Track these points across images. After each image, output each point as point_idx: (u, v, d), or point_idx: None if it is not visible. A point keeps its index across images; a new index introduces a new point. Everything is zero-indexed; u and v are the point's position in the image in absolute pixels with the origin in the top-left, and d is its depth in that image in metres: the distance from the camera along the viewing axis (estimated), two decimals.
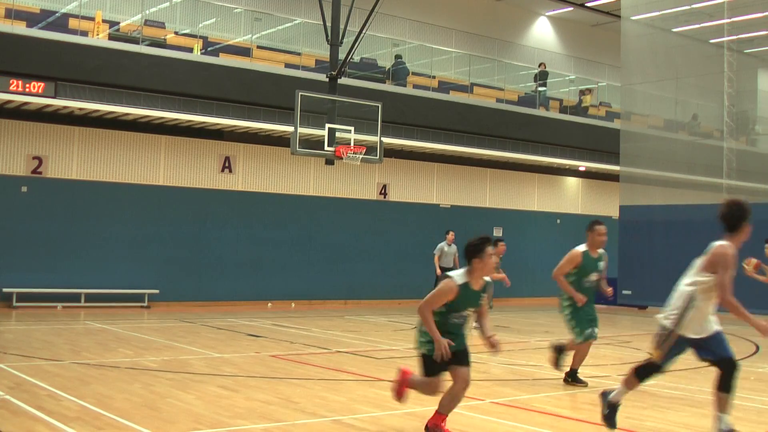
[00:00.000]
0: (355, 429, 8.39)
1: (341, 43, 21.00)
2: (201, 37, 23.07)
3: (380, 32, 24.88)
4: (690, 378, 12.53)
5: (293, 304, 24.21)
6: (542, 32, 33.33)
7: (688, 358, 14.34)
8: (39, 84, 19.45)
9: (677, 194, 26.96)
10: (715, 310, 7.95)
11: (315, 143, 20.35)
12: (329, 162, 20.78)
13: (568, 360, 11.63)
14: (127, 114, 21.29)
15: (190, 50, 22.31)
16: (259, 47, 24.09)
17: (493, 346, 8.18)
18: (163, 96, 21.18)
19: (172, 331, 17.18)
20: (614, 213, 27.71)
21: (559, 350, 11.58)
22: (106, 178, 22.29)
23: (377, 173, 26.07)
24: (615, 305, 25.90)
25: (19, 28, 19.67)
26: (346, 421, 8.68)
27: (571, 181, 31.79)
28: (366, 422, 8.68)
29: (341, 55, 21.14)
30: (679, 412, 9.73)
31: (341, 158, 20.15)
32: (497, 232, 28.14)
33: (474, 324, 9.49)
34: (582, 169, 30.28)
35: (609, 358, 14.86)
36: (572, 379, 11.49)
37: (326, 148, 19.99)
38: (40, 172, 21.44)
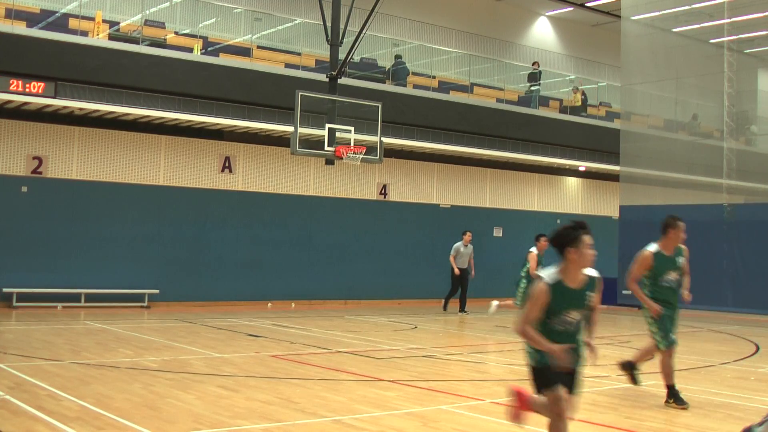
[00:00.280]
0: (355, 429, 8.40)
1: (341, 43, 21.00)
2: (201, 37, 23.07)
3: (380, 32, 24.89)
4: (690, 378, 12.55)
5: (293, 304, 24.23)
6: (542, 32, 33.36)
7: (687, 359, 14.41)
8: (39, 84, 19.45)
9: (677, 194, 26.95)
10: None
11: (315, 143, 20.37)
12: (329, 162, 20.79)
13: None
14: (127, 114, 21.29)
15: (190, 50, 22.31)
16: (259, 47, 24.10)
17: (590, 351, 6.95)
18: (163, 96, 21.18)
19: (172, 331, 17.19)
20: (614, 213, 27.72)
21: (629, 367, 10.83)
22: (106, 178, 22.29)
23: (377, 173, 26.08)
24: (615, 305, 25.88)
25: (19, 28, 19.67)
26: (346, 421, 8.69)
27: (571, 181, 31.81)
28: (366, 422, 8.69)
29: (341, 55, 21.14)
30: (678, 413, 9.73)
31: (341, 158, 20.16)
32: (497, 233, 28.17)
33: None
34: (582, 169, 30.29)
35: (609, 359, 14.83)
36: (675, 400, 10.09)
37: (326, 148, 20.00)
38: (40, 172, 21.45)
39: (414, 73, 26.55)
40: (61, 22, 21.06)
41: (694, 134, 30.32)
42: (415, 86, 26.10)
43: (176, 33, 23.03)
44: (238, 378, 11.27)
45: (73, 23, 21.11)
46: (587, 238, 6.58)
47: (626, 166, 26.72)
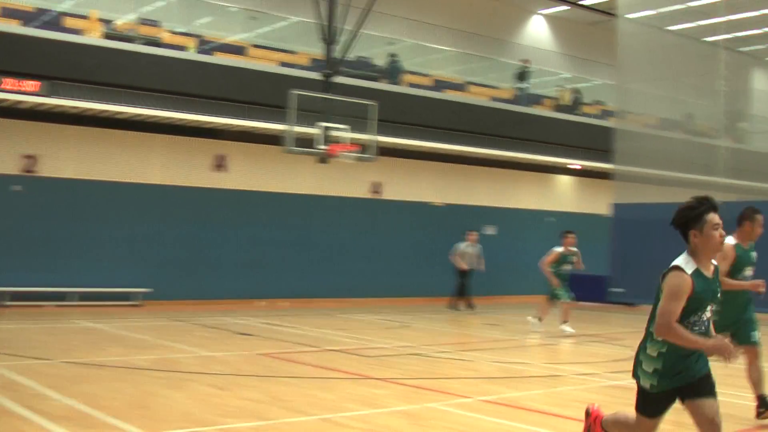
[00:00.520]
0: (344, 427, 8.41)
1: (336, 41, 21.02)
2: (196, 35, 23.08)
3: (375, 31, 24.89)
4: None
5: (286, 303, 24.23)
6: (537, 31, 33.38)
7: None
8: (33, 83, 19.45)
9: (671, 192, 26.95)
10: None
11: (310, 142, 20.39)
12: (323, 160, 20.81)
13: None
14: (121, 113, 21.26)
15: (186, 49, 22.32)
16: (254, 46, 24.12)
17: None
18: (157, 95, 21.16)
19: (164, 329, 17.20)
20: (607, 211, 27.73)
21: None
22: (101, 176, 22.27)
23: (372, 172, 26.04)
24: (605, 302, 25.94)
25: (14, 27, 19.69)
26: (335, 420, 8.70)
27: (566, 180, 31.82)
28: (355, 420, 8.70)
29: (336, 54, 21.13)
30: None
31: (336, 157, 20.16)
32: (490, 231, 28.15)
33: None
34: (577, 167, 30.31)
35: (599, 356, 14.90)
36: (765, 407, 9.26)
37: (321, 146, 20.01)
38: (34, 171, 21.44)
39: (409, 72, 26.58)
40: (55, 21, 21.07)
41: (688, 133, 30.35)
42: (411, 85, 26.12)
43: (171, 32, 23.03)
44: (229, 376, 11.29)
45: (67, 22, 21.12)
46: (713, 217, 5.61)
47: (620, 164, 26.74)
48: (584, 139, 28.49)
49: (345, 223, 25.78)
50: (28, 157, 21.36)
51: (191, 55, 22.08)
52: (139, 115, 21.47)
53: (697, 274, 5.53)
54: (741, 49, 32.68)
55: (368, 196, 26.40)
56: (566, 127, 28.22)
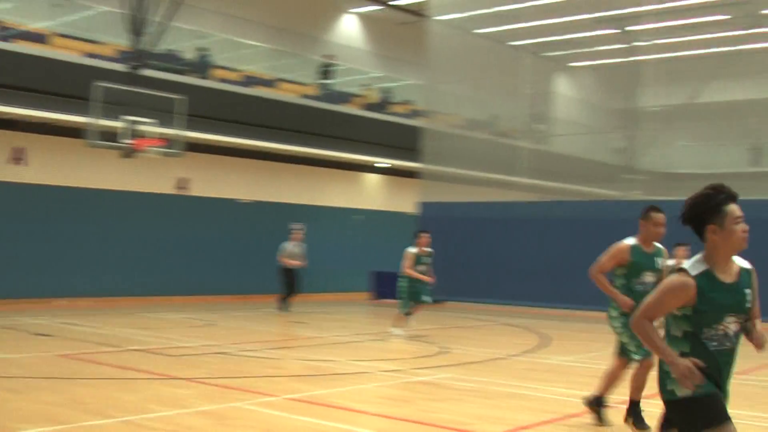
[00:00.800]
0: (147, 429, 8.17)
1: (145, 33, 20.48)
2: None
3: (185, 24, 24.41)
4: (480, 370, 12.89)
5: (87, 302, 23.39)
6: (349, 29, 33.57)
7: (480, 351, 14.80)
8: None
9: (476, 191, 27.71)
10: None
11: (115, 135, 19.79)
12: (128, 155, 20.25)
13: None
14: None
15: None
16: (58, 35, 23.20)
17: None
18: None
19: None
20: (415, 209, 28.20)
21: (596, 403, 8.97)
22: None
23: (179, 167, 25.46)
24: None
25: None
26: (136, 421, 8.45)
27: (374, 178, 32.14)
28: (158, 422, 8.48)
29: (144, 46, 20.59)
30: (470, 404, 9.95)
31: (142, 151, 19.64)
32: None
33: None
34: (385, 165, 30.65)
35: (406, 353, 15.11)
36: (635, 420, 8.54)
37: (126, 140, 19.46)
38: None
39: (219, 67, 26.22)
40: None
41: (493, 133, 31.26)
42: (220, 80, 25.76)
43: None
44: (25, 380, 10.80)
45: None
46: (733, 209, 4.66)
47: (427, 163, 27.27)
48: (392, 138, 28.83)
49: (150, 219, 25.13)
50: None
51: None
52: None
53: (707, 276, 4.58)
54: (545, 54, 33.93)
55: (174, 192, 25.85)
56: (375, 126, 28.49)
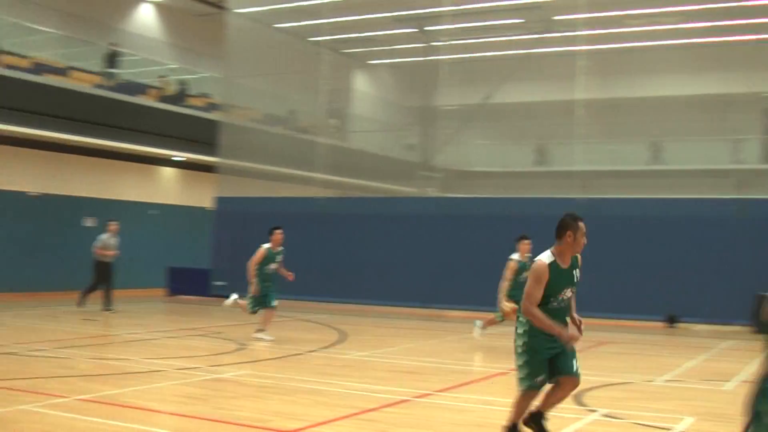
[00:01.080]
0: None
1: None
2: None
3: None
4: (279, 366, 12.81)
5: None
6: (145, 18, 32.66)
7: (278, 348, 14.73)
8: None
9: (274, 187, 27.61)
10: None
11: None
12: None
13: None
14: None
15: None
16: None
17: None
18: None
19: None
20: (211, 204, 27.81)
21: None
22: None
23: None
24: (208, 296, 26.02)
25: None
26: None
27: (170, 171, 31.47)
28: None
29: None
30: (268, 400, 9.86)
31: None
32: (90, 223, 27.09)
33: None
34: (181, 159, 30.05)
35: (201, 350, 14.85)
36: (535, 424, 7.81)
37: None
38: None
39: (5, 52, 24.93)
40: None
41: (291, 129, 31.21)
42: (7, 66, 24.49)
43: None
44: None
45: None
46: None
47: (224, 157, 26.93)
48: (189, 131, 28.28)
49: None
50: None
51: None
52: None
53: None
54: (345, 50, 34.16)
55: None
56: (171, 118, 27.84)
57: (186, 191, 31.68)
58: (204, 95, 31.51)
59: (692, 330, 21.11)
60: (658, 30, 30.59)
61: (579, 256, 7.43)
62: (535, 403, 7.67)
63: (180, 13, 33.34)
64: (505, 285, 15.27)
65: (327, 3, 28.36)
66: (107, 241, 21.78)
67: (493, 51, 33.52)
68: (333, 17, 28.61)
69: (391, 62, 37.71)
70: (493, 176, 32.22)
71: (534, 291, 7.14)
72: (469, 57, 31.32)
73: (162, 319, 22.28)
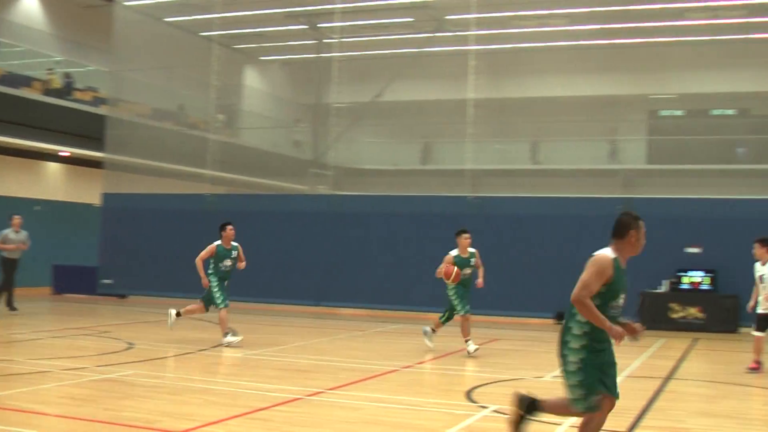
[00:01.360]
0: None
1: None
2: None
3: None
4: (169, 366, 12.62)
5: None
6: (30, 9, 31.72)
7: (163, 347, 14.51)
8: None
9: (163, 183, 27.21)
10: None
11: None
12: None
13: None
14: None
15: None
16: None
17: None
18: None
19: None
20: (97, 200, 27.24)
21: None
22: None
23: None
24: (95, 294, 25.50)
25: None
26: None
27: (55, 167, 30.70)
28: None
29: None
30: (156, 400, 9.69)
31: None
32: None
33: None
34: (66, 154, 29.33)
35: (89, 350, 14.51)
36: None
37: None
38: None
39: None
40: None
41: (181, 124, 30.79)
42: None
43: None
44: None
45: None
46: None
47: (112, 153, 26.40)
48: (76, 126, 27.58)
49: None
50: None
51: None
52: None
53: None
54: (235, 46, 33.85)
55: None
56: (57, 112, 27.10)
57: (72, 187, 30.95)
58: (91, 89, 30.78)
59: None
60: (548, 31, 31.20)
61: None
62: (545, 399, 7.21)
63: (66, 4, 32.49)
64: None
65: None
66: (8, 236, 21.07)
67: (385, 49, 33.66)
68: (224, 12, 28.34)
69: (282, 58, 37.55)
70: (384, 174, 32.36)
71: (593, 282, 6.59)
72: (361, 55, 31.40)
73: (47, 318, 21.71)
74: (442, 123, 30.62)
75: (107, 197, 26.61)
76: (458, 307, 14.63)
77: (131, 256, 25.70)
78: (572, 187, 25.80)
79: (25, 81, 27.85)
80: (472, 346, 14.46)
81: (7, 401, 9.40)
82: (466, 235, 14.79)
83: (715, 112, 32.84)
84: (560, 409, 7.07)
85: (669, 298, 20.95)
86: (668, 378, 12.71)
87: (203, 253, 15.40)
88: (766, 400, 11.80)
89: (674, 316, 20.80)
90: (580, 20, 29.99)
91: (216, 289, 15.27)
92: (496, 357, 14.86)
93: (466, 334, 14.56)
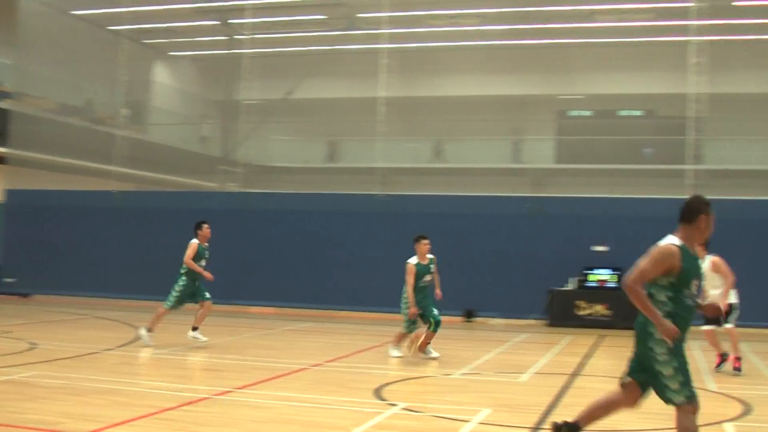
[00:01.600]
0: None
1: None
2: None
3: None
4: (72, 366, 12.36)
5: None
6: None
7: (71, 346, 14.20)
8: None
9: (69, 180, 26.72)
10: None
11: None
12: None
13: None
14: None
15: None
16: None
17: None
18: None
19: None
20: (1, 197, 26.60)
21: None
22: None
23: None
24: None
25: None
26: None
27: None
28: None
29: None
30: (60, 402, 9.47)
31: None
32: None
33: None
34: None
35: None
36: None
37: None
38: None
39: None
40: None
41: (88, 120, 30.22)
42: None
43: None
44: None
45: None
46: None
47: (16, 148, 25.81)
48: None
49: None
50: None
51: None
52: None
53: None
54: (144, 41, 33.34)
55: None
56: None
57: None
58: None
59: (489, 324, 21.77)
60: (459, 31, 31.42)
61: None
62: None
63: None
64: (409, 291, 14.02)
65: None
66: None
67: (296, 46, 33.51)
68: (133, 6, 27.90)
69: (192, 54, 37.10)
70: (295, 172, 32.22)
71: (649, 270, 6.36)
72: (272, 51, 31.19)
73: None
74: (354, 121, 30.62)
75: (11, 193, 26.02)
76: (404, 325, 14.29)
77: (35, 254, 25.16)
78: (482, 186, 26.02)
79: None
80: (434, 354, 14.34)
81: None
82: (426, 241, 14.28)
83: (623, 113, 33.38)
84: (597, 411, 7.12)
85: (576, 295, 21.29)
86: (575, 374, 12.90)
87: (190, 253, 15.09)
88: None
89: (581, 313, 21.14)
90: (491, 20, 30.29)
91: (178, 290, 15.09)
92: (405, 355, 14.87)
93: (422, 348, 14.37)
